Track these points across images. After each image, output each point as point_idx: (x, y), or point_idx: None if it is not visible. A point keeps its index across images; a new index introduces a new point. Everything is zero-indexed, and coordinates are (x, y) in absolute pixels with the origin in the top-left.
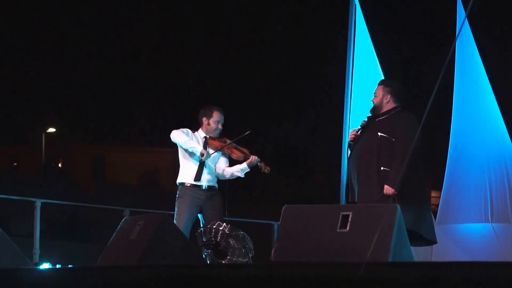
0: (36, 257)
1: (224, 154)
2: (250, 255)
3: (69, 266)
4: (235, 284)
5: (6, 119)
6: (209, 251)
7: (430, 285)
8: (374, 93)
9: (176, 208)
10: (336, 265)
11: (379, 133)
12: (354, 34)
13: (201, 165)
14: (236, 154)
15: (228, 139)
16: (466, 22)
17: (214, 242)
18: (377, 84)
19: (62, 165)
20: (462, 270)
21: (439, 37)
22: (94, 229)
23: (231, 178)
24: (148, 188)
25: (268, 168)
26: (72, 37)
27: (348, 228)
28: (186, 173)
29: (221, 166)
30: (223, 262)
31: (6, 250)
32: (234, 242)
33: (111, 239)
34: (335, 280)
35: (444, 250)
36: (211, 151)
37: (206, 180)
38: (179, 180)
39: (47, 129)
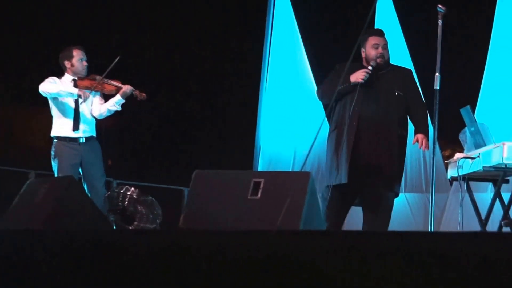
0: None
1: (96, 92)
2: (158, 222)
3: None
4: (142, 250)
5: None
6: (116, 216)
7: (341, 253)
8: (383, 46)
9: (56, 170)
10: (246, 233)
11: (396, 92)
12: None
13: (77, 113)
14: (108, 89)
15: (96, 75)
16: None
17: (121, 207)
18: (380, 35)
19: None
20: (373, 239)
21: None
22: None
23: (109, 114)
24: None
25: (143, 94)
26: None
27: (259, 195)
28: (61, 126)
29: (97, 105)
30: (130, 228)
31: None
32: (142, 207)
33: (13, 203)
34: (244, 247)
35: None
36: (86, 91)
37: (82, 131)
38: (53, 134)
39: None
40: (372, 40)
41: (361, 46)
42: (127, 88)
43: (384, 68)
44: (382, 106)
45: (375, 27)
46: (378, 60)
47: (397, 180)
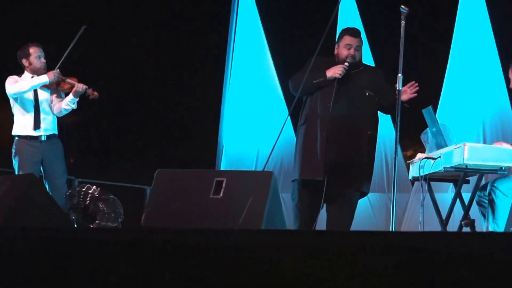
0: None
1: (54, 89)
2: (120, 220)
3: None
4: (103, 248)
5: None
6: (77, 214)
7: (303, 252)
8: (356, 47)
9: (17, 168)
10: (208, 232)
11: (367, 92)
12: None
13: (37, 111)
14: (63, 87)
15: (55, 72)
16: None
17: (82, 206)
18: (355, 36)
19: None
20: (335, 238)
21: None
22: None
23: (66, 112)
24: None
25: (96, 93)
26: None
27: (221, 194)
28: (22, 124)
29: (56, 103)
30: (91, 226)
31: None
32: (103, 206)
33: None
34: (205, 246)
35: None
36: (55, 72)
37: (43, 129)
38: (14, 132)
39: None
40: (347, 40)
41: (336, 42)
42: (79, 87)
43: (356, 67)
44: (353, 105)
45: (339, 27)
46: (348, 60)
47: (366, 180)
